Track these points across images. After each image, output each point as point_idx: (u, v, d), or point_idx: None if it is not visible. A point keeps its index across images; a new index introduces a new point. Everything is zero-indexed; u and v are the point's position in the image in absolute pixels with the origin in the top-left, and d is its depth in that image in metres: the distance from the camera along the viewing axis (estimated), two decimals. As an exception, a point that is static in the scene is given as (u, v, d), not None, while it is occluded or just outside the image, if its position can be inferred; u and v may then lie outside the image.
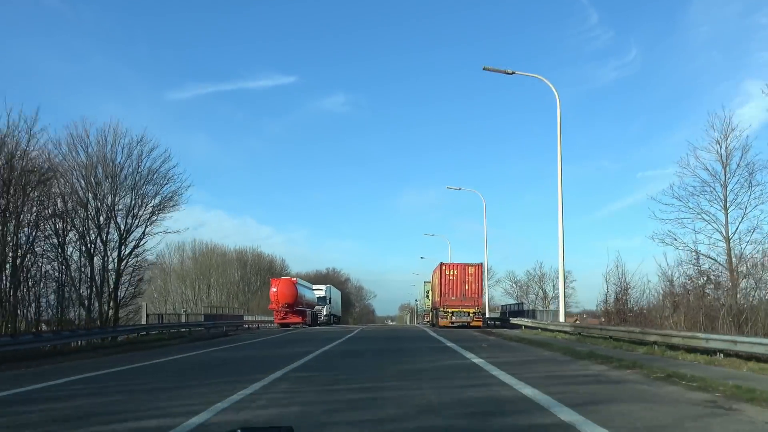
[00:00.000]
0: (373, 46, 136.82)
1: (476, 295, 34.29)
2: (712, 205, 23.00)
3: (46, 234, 24.64)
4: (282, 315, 41.97)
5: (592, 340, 19.71)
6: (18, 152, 22.49)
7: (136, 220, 28.88)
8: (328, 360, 13.87)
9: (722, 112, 25.59)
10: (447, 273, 34.45)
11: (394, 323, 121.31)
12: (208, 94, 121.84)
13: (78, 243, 26.89)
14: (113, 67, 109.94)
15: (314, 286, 55.35)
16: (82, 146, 27.42)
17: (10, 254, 22.45)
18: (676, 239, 22.99)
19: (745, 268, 20.99)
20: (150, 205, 29.09)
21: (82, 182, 27.22)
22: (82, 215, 26.77)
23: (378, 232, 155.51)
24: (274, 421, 5.99)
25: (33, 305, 23.66)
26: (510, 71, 27.74)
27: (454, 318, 34.11)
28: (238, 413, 6.63)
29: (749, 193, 22.07)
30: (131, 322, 33.72)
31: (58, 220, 25.82)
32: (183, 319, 36.70)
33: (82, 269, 26.90)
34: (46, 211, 24.69)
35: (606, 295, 25.13)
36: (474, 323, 33.91)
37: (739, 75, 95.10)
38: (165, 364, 13.96)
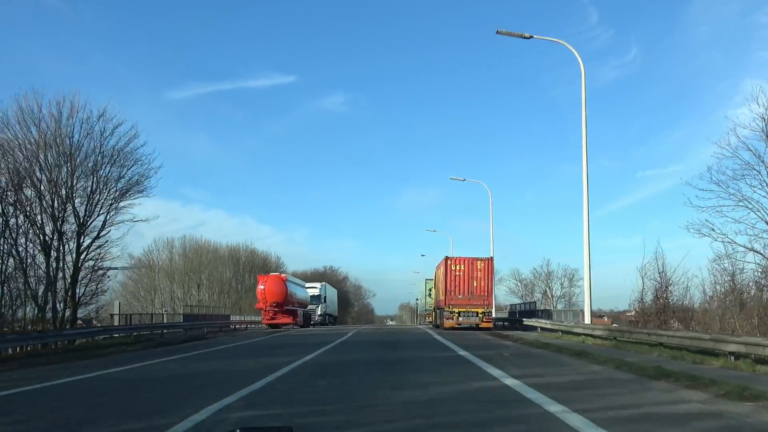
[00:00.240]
0: (372, 46, 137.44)
1: (486, 293, 30.56)
2: (755, 191, 19.62)
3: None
4: (270, 315, 38.20)
5: (634, 347, 16.04)
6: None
7: (99, 207, 25.23)
8: (300, 381, 10.09)
9: (769, 84, 22.01)
10: (453, 268, 30.69)
11: (393, 323, 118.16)
12: (208, 93, 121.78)
13: (30, 232, 23.26)
14: (113, 67, 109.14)
15: (308, 284, 51.61)
16: (33, 121, 23.76)
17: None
18: (714, 230, 19.54)
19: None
20: (114, 189, 25.43)
21: (34, 162, 23.58)
22: (31, 199, 23.11)
23: (378, 232, 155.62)
24: None
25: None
26: (527, 35, 24.06)
27: (460, 319, 30.39)
28: None
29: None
30: (106, 322, 30.26)
31: (6, 206, 22.24)
32: (164, 320, 33.09)
33: (34, 262, 23.29)
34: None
35: (641, 292, 21.52)
36: (483, 325, 30.20)
37: (739, 74, 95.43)
38: (82, 384, 10.30)
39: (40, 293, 23.01)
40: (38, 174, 23.60)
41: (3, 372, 12.26)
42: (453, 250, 53.65)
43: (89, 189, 24.71)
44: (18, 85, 63.52)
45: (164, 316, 34.22)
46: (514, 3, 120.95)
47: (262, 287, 37.93)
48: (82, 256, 24.55)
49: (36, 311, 23.07)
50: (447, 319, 30.55)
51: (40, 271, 23.24)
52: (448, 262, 30.92)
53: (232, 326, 40.71)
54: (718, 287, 19.45)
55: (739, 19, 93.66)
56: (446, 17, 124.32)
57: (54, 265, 23.26)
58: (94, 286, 25.38)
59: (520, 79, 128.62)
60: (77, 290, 24.34)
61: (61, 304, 23.53)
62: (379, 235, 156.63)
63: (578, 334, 21.88)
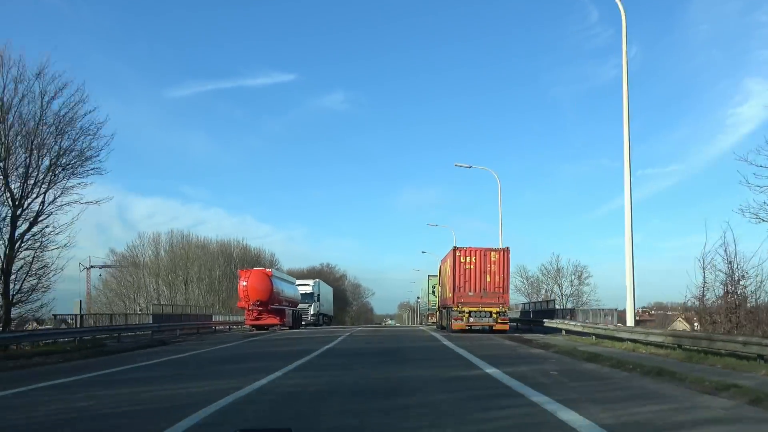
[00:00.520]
0: (372, 44, 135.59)
1: (501, 290, 26.20)
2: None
3: None
4: (255, 315, 33.83)
5: (719, 361, 11.78)
6: None
7: (38, 187, 20.97)
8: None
9: None
10: (463, 261, 26.33)
11: (392, 322, 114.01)
12: (208, 92, 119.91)
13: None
14: (112, 65, 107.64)
15: (300, 281, 47.25)
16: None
17: None
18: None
19: None
20: (56, 163, 21.13)
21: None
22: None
23: (377, 231, 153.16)
24: None
25: None
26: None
27: (471, 319, 26.06)
28: None
29: None
30: (66, 324, 26.04)
31: None
32: (127, 321, 28.80)
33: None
34: None
35: (702, 288, 17.21)
36: (498, 326, 25.87)
37: (739, 73, 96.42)
38: None
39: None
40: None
41: None
42: (457, 244, 49.30)
43: (25, 163, 20.47)
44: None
45: (127, 316, 29.86)
46: (514, 3, 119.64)
47: (244, 284, 33.53)
48: (16, 245, 20.29)
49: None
50: (455, 320, 26.21)
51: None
52: (457, 253, 26.58)
53: (213, 327, 36.40)
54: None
55: (739, 18, 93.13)
56: (446, 16, 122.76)
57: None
58: (34, 281, 21.12)
59: (520, 78, 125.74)
60: (10, 285, 20.11)
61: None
62: (378, 234, 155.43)
63: (623, 340, 17.59)
